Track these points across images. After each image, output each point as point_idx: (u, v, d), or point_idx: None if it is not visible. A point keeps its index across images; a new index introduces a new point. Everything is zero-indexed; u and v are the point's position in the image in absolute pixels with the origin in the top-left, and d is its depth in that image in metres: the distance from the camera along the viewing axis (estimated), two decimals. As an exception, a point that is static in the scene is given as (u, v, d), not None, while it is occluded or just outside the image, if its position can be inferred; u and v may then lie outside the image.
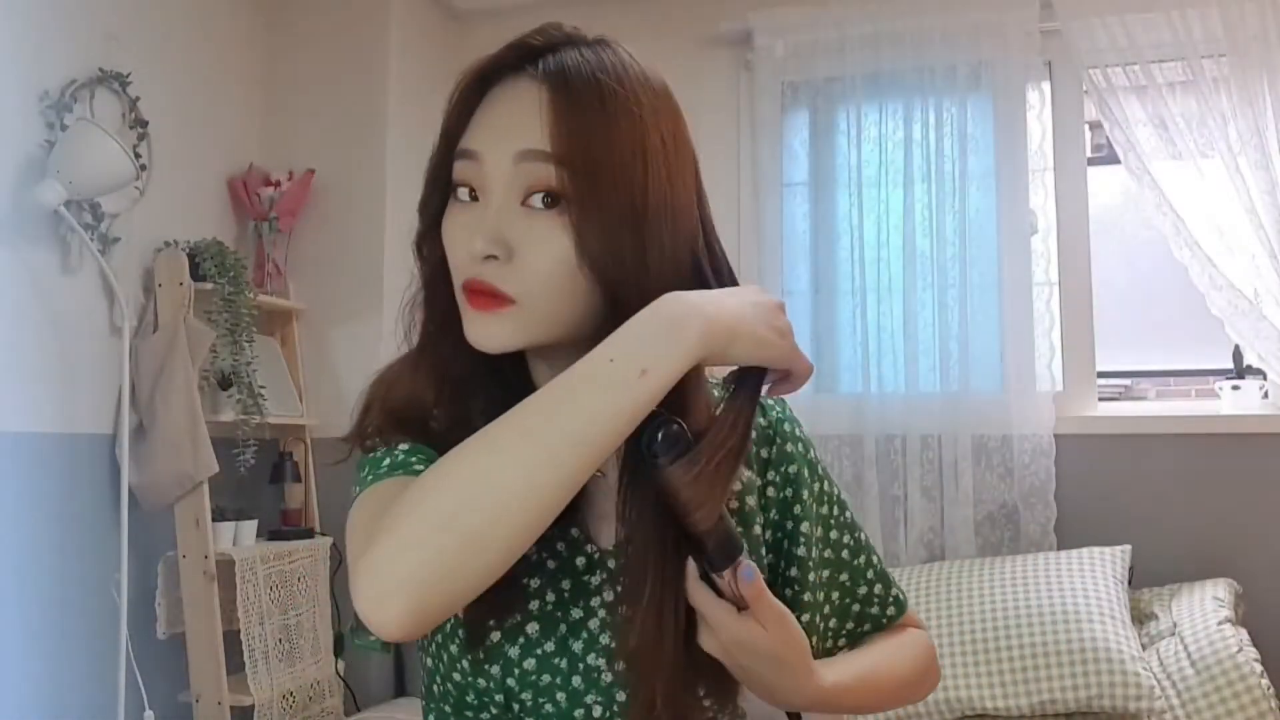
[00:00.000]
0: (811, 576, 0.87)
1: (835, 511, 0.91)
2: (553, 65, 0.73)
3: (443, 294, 0.79)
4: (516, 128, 0.72)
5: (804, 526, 0.87)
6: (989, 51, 2.71)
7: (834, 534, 0.90)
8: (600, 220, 0.71)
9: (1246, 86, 2.49)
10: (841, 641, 0.91)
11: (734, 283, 0.79)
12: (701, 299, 0.69)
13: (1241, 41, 2.50)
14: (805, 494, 0.88)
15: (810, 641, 0.85)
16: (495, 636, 0.76)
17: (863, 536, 0.93)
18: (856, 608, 0.91)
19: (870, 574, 0.92)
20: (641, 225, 0.72)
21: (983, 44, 2.71)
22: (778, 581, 0.88)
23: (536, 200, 0.72)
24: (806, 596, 0.87)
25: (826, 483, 0.91)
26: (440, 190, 0.77)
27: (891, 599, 0.93)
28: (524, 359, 0.81)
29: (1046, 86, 2.77)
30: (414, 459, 0.75)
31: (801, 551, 0.87)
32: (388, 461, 0.75)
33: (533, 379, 0.81)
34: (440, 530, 0.61)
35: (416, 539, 0.61)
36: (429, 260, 0.80)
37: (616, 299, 0.72)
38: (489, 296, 0.72)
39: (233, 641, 2.39)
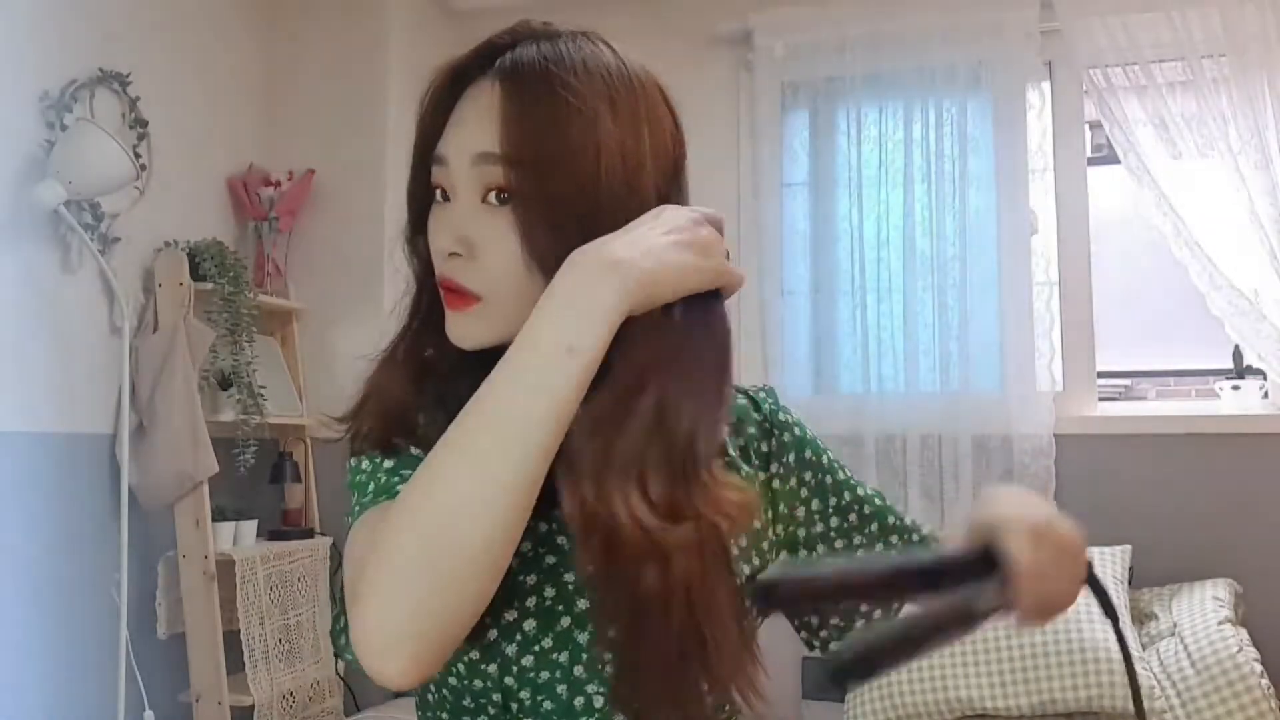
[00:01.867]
0: (838, 544, 0.87)
1: (836, 484, 0.89)
2: (508, 63, 0.74)
3: (427, 291, 0.80)
4: (474, 130, 0.73)
5: (815, 505, 0.88)
6: (989, 51, 2.70)
7: (842, 514, 0.89)
8: (547, 216, 0.71)
9: (1246, 86, 2.49)
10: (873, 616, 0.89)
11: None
12: (610, 247, 0.68)
13: (1241, 41, 2.50)
14: (809, 475, 0.88)
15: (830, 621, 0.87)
16: (492, 635, 0.75)
17: (868, 508, 0.89)
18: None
19: (892, 518, 0.89)
20: (594, 221, 0.71)
21: (983, 44, 2.71)
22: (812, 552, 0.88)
23: (493, 198, 0.73)
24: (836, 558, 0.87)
25: (825, 456, 0.90)
26: (420, 193, 0.79)
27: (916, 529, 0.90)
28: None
29: (1046, 86, 2.77)
30: (396, 480, 0.74)
31: (819, 529, 0.88)
32: (372, 486, 0.75)
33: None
34: (416, 578, 0.61)
35: (397, 593, 0.61)
36: (415, 260, 0.82)
37: None
38: (457, 294, 0.74)
39: (233, 641, 2.39)
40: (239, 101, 2.81)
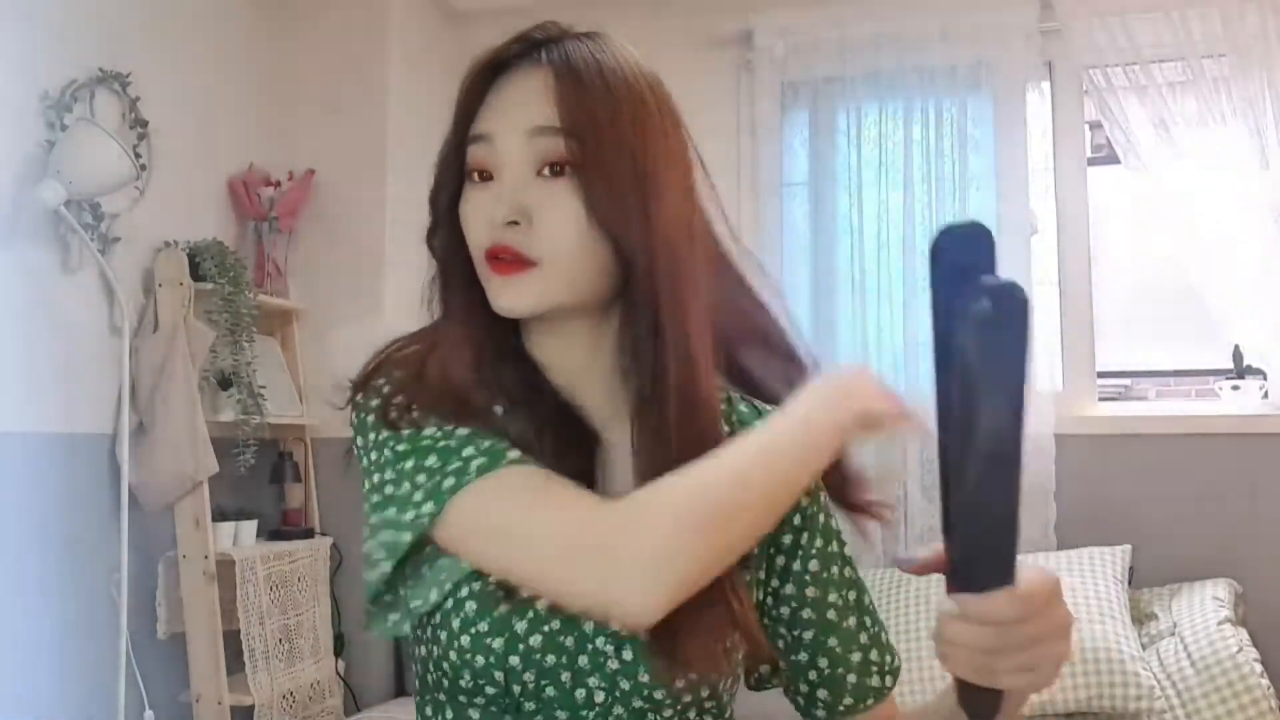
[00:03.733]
0: (810, 592, 0.84)
1: (832, 562, 0.86)
2: (556, 52, 0.79)
3: (460, 277, 0.82)
4: (527, 107, 0.78)
5: (803, 539, 0.85)
6: (989, 51, 2.71)
7: (824, 561, 0.86)
8: (607, 184, 0.76)
9: (1246, 86, 2.49)
10: (838, 712, 0.85)
11: (734, 264, 0.87)
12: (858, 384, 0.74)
13: (1241, 41, 2.50)
14: (805, 502, 0.86)
15: (797, 690, 0.86)
16: (504, 609, 0.76)
17: (854, 596, 0.86)
18: (852, 678, 0.85)
19: (864, 638, 0.86)
20: (644, 188, 0.77)
21: (983, 44, 2.71)
22: (767, 599, 0.85)
23: (547, 171, 0.77)
24: (806, 613, 0.84)
25: (822, 495, 0.87)
26: (453, 178, 0.81)
27: (888, 667, 0.87)
28: (517, 335, 0.84)
29: (1047, 86, 2.77)
30: (489, 443, 0.74)
31: (798, 566, 0.85)
32: (470, 450, 0.74)
33: (532, 353, 0.83)
34: (704, 538, 0.68)
35: (686, 547, 0.67)
36: (442, 250, 0.83)
37: (624, 255, 0.77)
38: (513, 262, 0.77)
39: (233, 641, 2.39)
40: (239, 101, 2.81)
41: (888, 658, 0.87)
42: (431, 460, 0.74)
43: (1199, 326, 2.67)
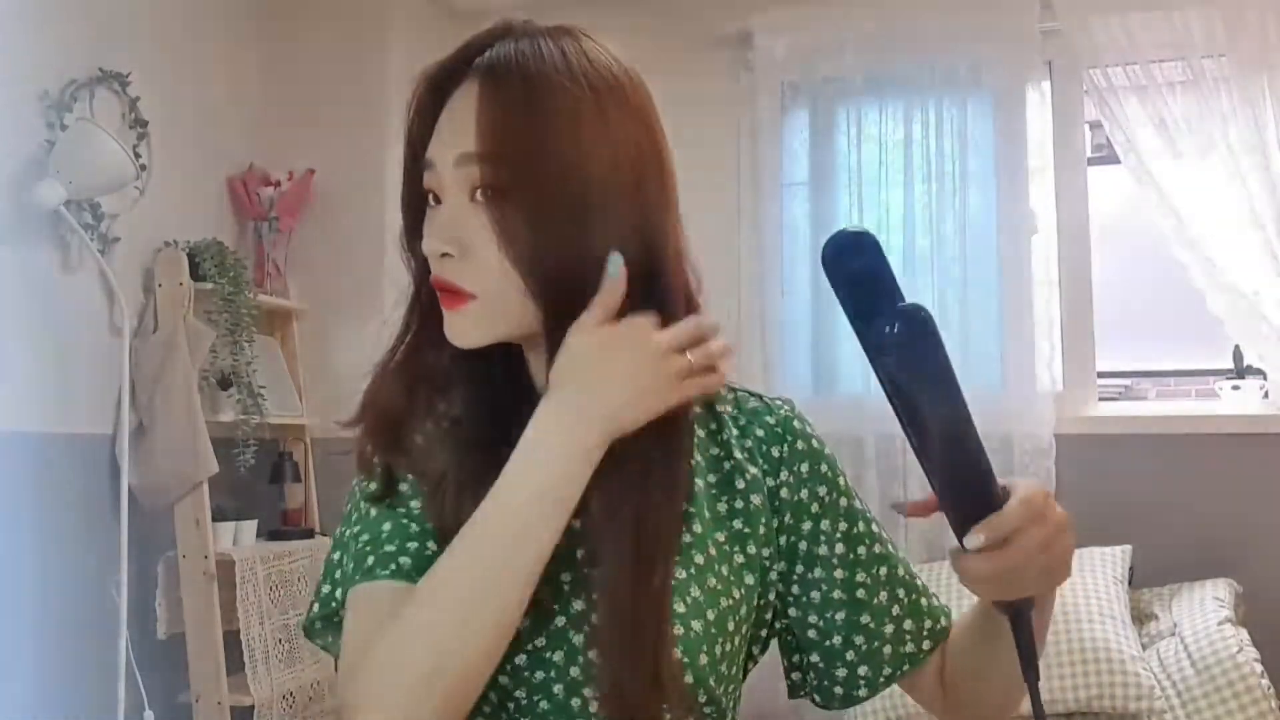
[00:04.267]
0: (839, 574, 0.84)
1: (858, 543, 0.86)
2: (485, 62, 0.75)
3: (424, 295, 0.80)
4: (456, 132, 0.74)
5: (824, 524, 0.85)
6: (989, 51, 2.70)
7: (850, 543, 0.86)
8: (525, 213, 0.72)
9: (1246, 86, 2.49)
10: (880, 684, 0.85)
11: (689, 301, 0.78)
12: (582, 387, 0.71)
13: (1241, 41, 2.50)
14: (823, 490, 0.86)
15: (836, 677, 0.85)
16: None
17: (885, 571, 0.86)
18: (888, 649, 0.85)
19: (897, 609, 0.85)
20: (578, 220, 0.72)
21: (982, 44, 2.71)
22: (793, 587, 0.85)
23: (479, 196, 0.74)
24: (836, 594, 0.84)
25: (843, 479, 0.87)
26: (413, 199, 0.79)
27: (926, 632, 0.86)
28: (517, 353, 0.82)
29: (1046, 86, 2.76)
30: (380, 555, 0.75)
31: (824, 550, 0.85)
32: (358, 553, 0.76)
33: (529, 370, 0.82)
34: (420, 696, 0.67)
35: (401, 709, 0.67)
36: (413, 264, 0.82)
37: (550, 294, 0.73)
38: (451, 294, 0.75)
39: (233, 642, 2.39)
40: (239, 101, 2.81)
41: (927, 623, 0.86)
42: (356, 544, 0.78)
43: (1199, 326, 2.66)
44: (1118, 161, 2.64)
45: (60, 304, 2.23)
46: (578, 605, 0.76)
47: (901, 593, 0.86)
